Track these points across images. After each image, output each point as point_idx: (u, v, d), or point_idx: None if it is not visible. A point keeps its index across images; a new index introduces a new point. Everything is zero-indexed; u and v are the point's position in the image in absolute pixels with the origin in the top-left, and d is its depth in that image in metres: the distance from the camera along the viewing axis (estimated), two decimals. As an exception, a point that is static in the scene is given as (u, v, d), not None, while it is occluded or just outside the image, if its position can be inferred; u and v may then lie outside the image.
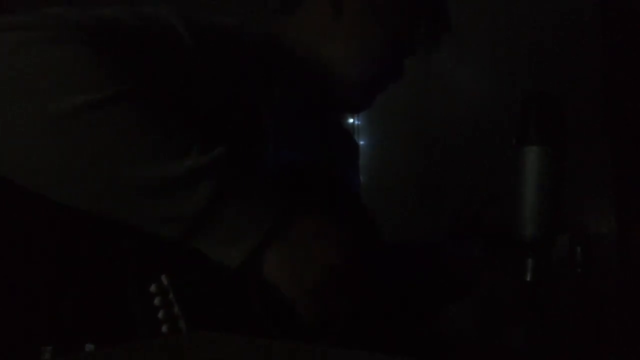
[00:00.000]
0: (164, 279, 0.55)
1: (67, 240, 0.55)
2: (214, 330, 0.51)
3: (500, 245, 0.82)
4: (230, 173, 0.53)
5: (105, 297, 0.55)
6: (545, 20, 1.37)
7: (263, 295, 0.57)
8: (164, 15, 0.63)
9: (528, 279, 0.61)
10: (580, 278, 0.64)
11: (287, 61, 0.78)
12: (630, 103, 1.20)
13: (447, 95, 1.53)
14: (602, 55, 1.27)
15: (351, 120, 1.64)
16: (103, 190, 0.51)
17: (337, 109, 0.91)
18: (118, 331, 0.54)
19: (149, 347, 0.41)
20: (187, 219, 0.52)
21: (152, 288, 0.55)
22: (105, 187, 0.51)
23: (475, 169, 1.44)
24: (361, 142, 1.63)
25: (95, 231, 0.54)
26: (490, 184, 1.34)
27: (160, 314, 0.54)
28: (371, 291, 0.61)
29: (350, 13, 0.78)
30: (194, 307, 0.55)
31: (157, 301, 0.54)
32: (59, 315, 0.54)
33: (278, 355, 0.39)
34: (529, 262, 0.61)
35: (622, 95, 1.22)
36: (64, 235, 0.55)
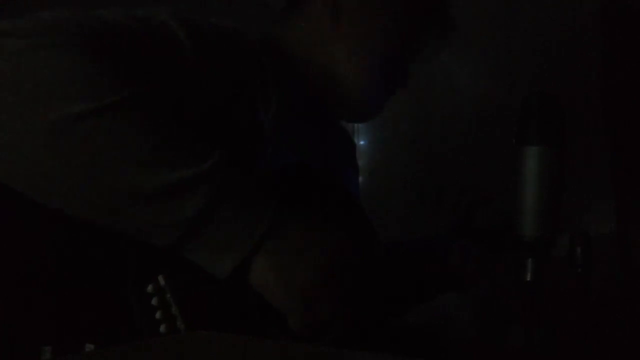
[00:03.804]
0: (160, 279, 0.55)
1: (65, 240, 0.55)
2: (213, 330, 0.50)
3: (500, 245, 0.82)
4: (225, 181, 0.53)
5: (103, 298, 0.55)
6: (545, 21, 1.37)
7: (260, 295, 0.57)
8: (161, 18, 0.63)
9: (528, 279, 0.61)
10: (580, 278, 0.64)
11: (286, 65, 0.77)
12: (630, 103, 1.19)
13: (447, 95, 1.53)
14: (602, 55, 1.27)
15: (351, 120, 1.63)
16: (98, 198, 0.51)
17: (345, 117, 0.90)
18: (117, 331, 0.54)
19: (148, 347, 0.41)
20: (180, 226, 0.51)
21: (149, 288, 0.55)
22: (100, 194, 0.51)
23: (475, 169, 1.44)
24: (361, 142, 1.62)
25: (92, 232, 0.54)
26: (490, 184, 1.34)
27: (157, 314, 0.54)
28: (370, 294, 0.61)
29: (347, 18, 0.78)
30: (191, 307, 0.55)
31: (154, 301, 0.54)
32: (58, 315, 0.54)
33: (277, 355, 0.39)
34: (529, 262, 0.61)
35: (622, 95, 1.21)
36: (62, 236, 0.55)
